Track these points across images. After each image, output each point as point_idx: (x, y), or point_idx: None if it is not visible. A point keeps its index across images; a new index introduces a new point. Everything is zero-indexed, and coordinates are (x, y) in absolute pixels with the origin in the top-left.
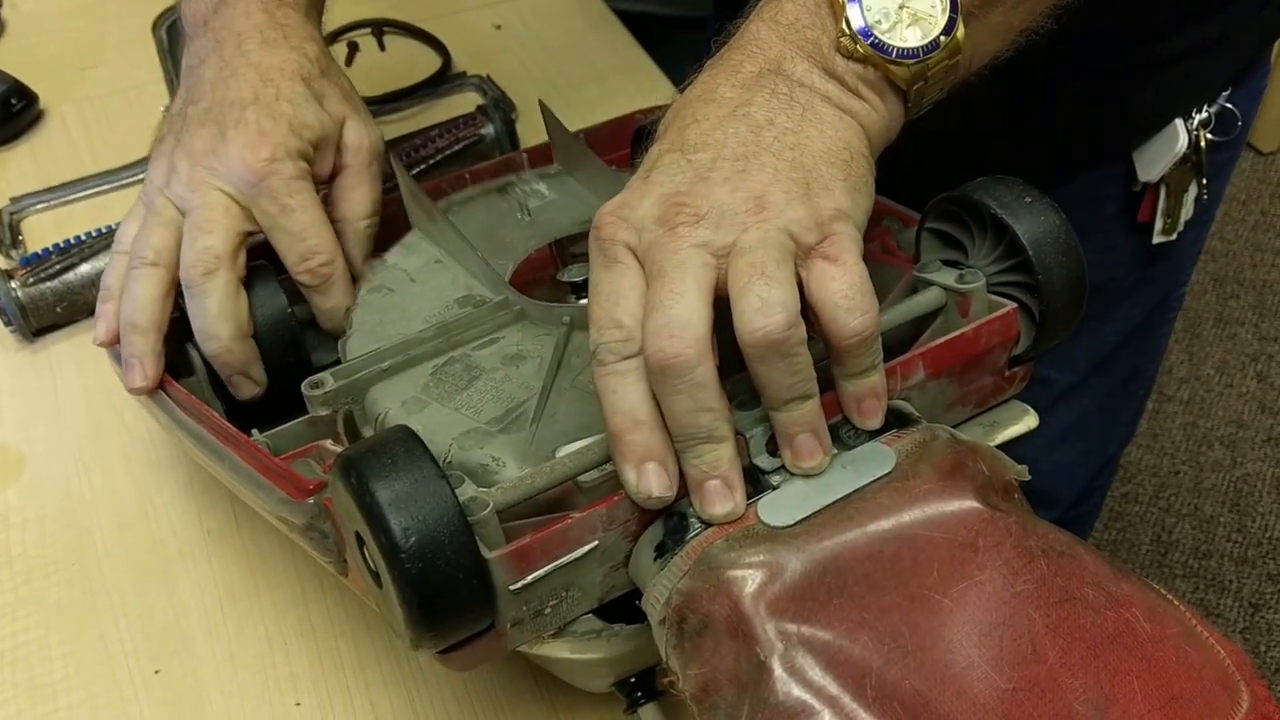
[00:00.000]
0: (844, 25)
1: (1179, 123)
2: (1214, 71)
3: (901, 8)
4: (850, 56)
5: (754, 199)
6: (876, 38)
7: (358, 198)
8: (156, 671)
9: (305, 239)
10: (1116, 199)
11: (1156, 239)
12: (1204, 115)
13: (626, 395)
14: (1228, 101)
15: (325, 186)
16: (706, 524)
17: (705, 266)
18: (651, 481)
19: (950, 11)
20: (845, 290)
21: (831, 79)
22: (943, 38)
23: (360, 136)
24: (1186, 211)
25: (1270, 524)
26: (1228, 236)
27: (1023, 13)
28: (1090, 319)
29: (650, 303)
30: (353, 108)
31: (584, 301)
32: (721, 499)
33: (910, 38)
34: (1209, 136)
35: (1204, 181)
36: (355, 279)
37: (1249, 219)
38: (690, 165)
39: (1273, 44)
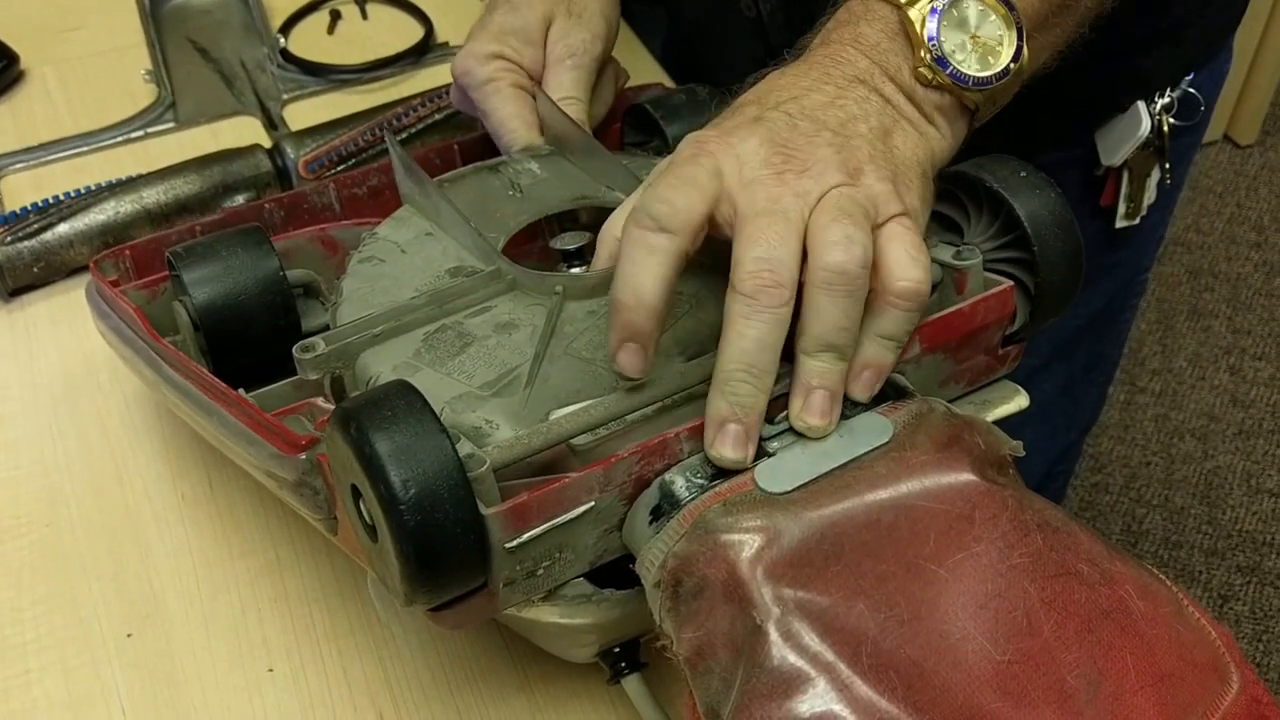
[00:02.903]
0: (922, 54)
1: (1142, 106)
2: (1171, 59)
3: (973, 38)
4: (928, 85)
5: (852, 168)
6: (954, 68)
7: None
8: (129, 635)
9: None
10: (1078, 183)
11: (1119, 223)
12: (1166, 100)
13: (646, 269)
14: (1190, 86)
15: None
16: (702, 489)
17: (801, 220)
18: (628, 358)
19: (1018, 40)
20: (915, 245)
21: (912, 104)
22: (1012, 65)
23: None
24: (1149, 196)
25: (1240, 516)
26: (1203, 229)
27: (1071, 26)
28: None
29: (754, 234)
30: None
31: (576, 270)
32: (737, 444)
33: (984, 66)
34: (1171, 121)
35: (1167, 166)
36: None
37: (1224, 211)
38: (797, 127)
39: (1231, 33)
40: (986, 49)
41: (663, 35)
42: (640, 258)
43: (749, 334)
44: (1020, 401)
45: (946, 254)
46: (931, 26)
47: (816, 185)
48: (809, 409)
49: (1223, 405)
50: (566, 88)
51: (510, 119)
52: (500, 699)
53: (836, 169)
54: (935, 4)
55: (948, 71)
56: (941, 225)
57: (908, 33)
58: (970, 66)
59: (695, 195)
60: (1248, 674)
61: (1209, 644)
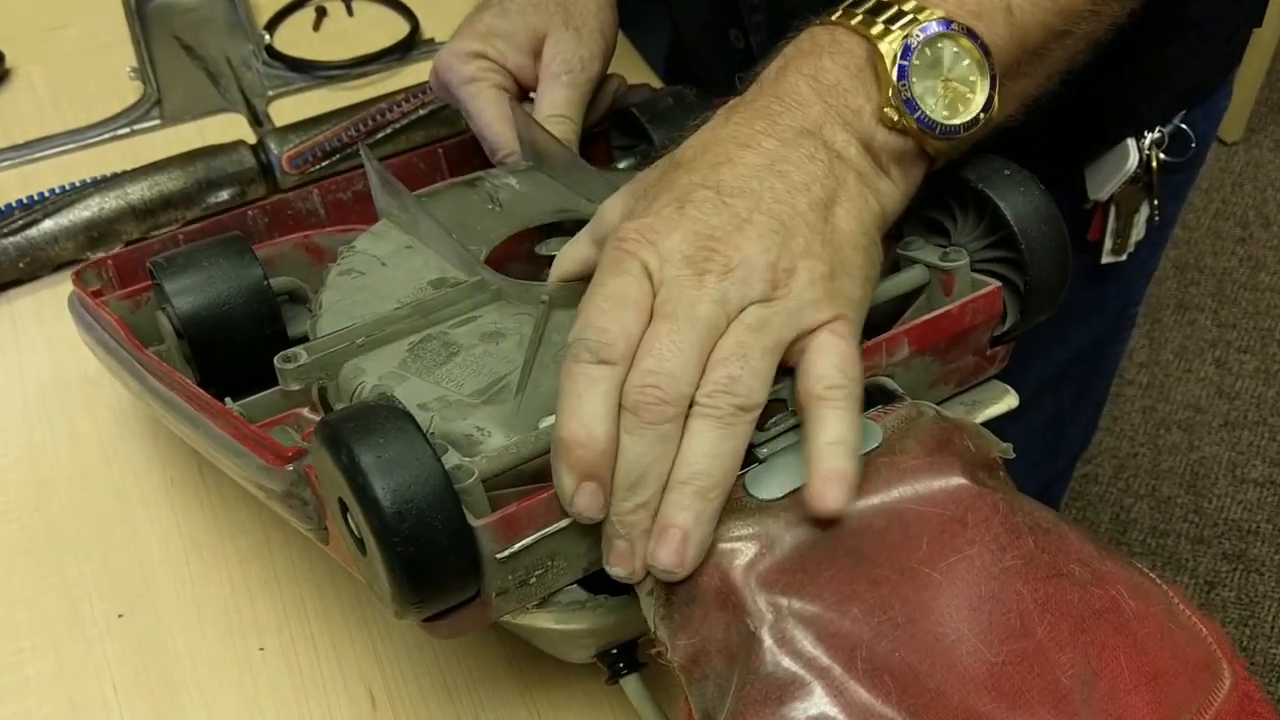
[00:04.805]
0: (889, 95)
1: (1130, 141)
2: (1163, 96)
3: (945, 81)
4: (892, 127)
5: (783, 268)
6: (923, 113)
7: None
8: (120, 615)
9: None
10: (1065, 216)
11: (1105, 259)
12: (1157, 135)
13: (591, 403)
14: (1184, 123)
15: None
16: None
17: (715, 328)
18: (588, 500)
19: (990, 88)
20: (843, 356)
21: (867, 154)
22: (982, 115)
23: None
24: (1138, 232)
25: (1225, 505)
26: (1189, 224)
27: (1041, 76)
28: (1041, 341)
29: (650, 343)
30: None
31: None
32: (622, 560)
33: (953, 113)
34: (1162, 156)
35: (1155, 202)
36: None
37: (1210, 207)
38: (727, 209)
39: (1229, 72)
40: (957, 95)
41: (668, 39)
42: (584, 391)
43: (629, 451)
44: (1010, 401)
45: (933, 255)
46: (904, 65)
47: (738, 292)
48: (661, 542)
49: (1209, 397)
50: (558, 105)
51: (495, 121)
52: (488, 675)
53: (763, 272)
54: (910, 40)
55: (915, 115)
56: (928, 228)
57: (876, 69)
58: (938, 112)
59: (629, 315)
60: (1239, 670)
61: (1200, 641)
